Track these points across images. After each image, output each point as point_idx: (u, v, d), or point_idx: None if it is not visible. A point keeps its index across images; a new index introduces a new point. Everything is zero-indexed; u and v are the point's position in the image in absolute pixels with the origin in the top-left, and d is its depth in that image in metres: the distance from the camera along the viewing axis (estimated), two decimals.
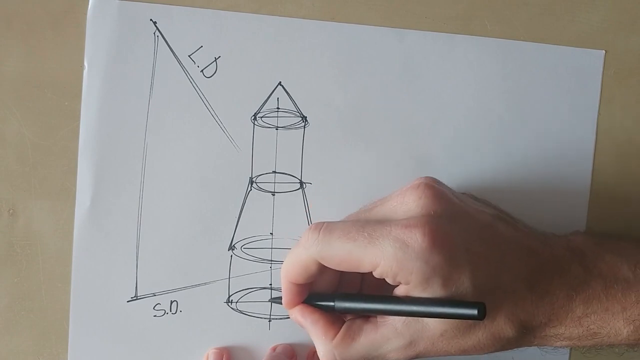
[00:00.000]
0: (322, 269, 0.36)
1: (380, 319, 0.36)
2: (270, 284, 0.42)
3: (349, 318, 0.38)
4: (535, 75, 0.42)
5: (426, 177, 0.36)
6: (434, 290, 0.34)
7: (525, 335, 0.36)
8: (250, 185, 0.42)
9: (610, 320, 0.36)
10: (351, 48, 0.42)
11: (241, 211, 0.42)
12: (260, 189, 0.42)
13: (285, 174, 0.42)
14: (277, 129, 0.41)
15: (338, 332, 0.37)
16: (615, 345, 0.37)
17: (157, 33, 0.41)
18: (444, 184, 0.37)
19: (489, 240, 0.36)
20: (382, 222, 0.35)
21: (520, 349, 0.38)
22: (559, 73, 0.42)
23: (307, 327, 0.38)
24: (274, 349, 0.42)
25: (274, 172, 0.42)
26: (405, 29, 0.42)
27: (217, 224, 0.41)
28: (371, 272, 0.35)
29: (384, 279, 0.35)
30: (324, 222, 0.36)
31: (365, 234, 0.35)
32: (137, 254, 0.41)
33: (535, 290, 0.36)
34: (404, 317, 0.35)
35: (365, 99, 0.42)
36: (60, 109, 0.41)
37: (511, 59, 0.42)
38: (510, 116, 0.42)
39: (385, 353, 0.36)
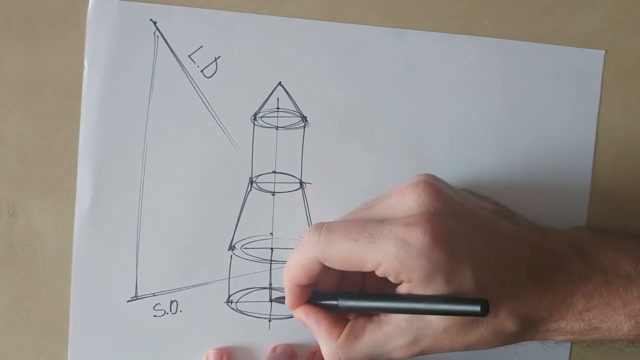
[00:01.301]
0: (325, 269, 0.36)
1: (383, 317, 0.36)
2: (270, 284, 0.42)
3: (352, 317, 0.38)
4: (535, 75, 0.42)
5: (425, 174, 0.36)
6: (437, 288, 0.34)
7: (527, 329, 0.36)
8: (250, 185, 0.42)
9: (611, 315, 0.36)
10: (351, 48, 0.42)
11: (241, 211, 0.42)
12: (260, 189, 0.42)
13: (285, 174, 0.42)
14: (277, 129, 0.41)
15: (342, 331, 0.37)
16: (616, 340, 0.37)
17: (157, 33, 0.41)
18: (442, 181, 0.37)
19: (490, 236, 0.36)
20: (383, 221, 0.35)
21: (522, 343, 0.38)
22: (559, 73, 0.42)
23: (311, 328, 0.38)
24: (274, 349, 0.42)
25: (274, 172, 0.42)
26: (405, 29, 0.42)
27: (217, 224, 0.41)
28: (374, 271, 0.35)
29: (386, 277, 0.35)
30: (324, 223, 0.36)
31: (367, 234, 0.35)
32: (137, 254, 0.41)
33: (536, 285, 0.36)
34: (407, 315, 0.35)
35: (365, 99, 0.42)
36: (60, 109, 0.41)
37: (511, 59, 0.42)
38: (510, 116, 0.42)
39: (389, 351, 0.36)
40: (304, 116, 0.42)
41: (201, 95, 0.41)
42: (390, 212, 0.36)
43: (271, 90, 0.41)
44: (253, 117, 0.41)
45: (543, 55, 0.42)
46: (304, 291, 0.38)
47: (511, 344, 0.37)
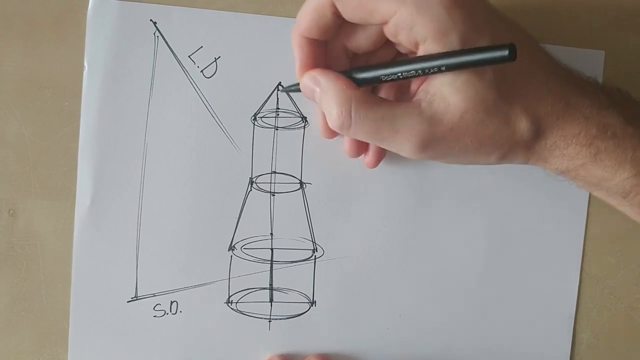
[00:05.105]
0: (335, 21, 0.35)
1: (402, 102, 0.35)
2: (271, 284, 0.42)
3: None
4: None
5: None
6: (450, 48, 0.33)
7: (536, 136, 0.35)
8: (250, 185, 0.42)
9: (619, 155, 0.35)
10: None
11: (241, 211, 0.42)
12: (260, 189, 0.42)
13: (285, 174, 0.42)
14: (276, 129, 0.41)
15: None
16: (611, 187, 0.36)
17: (157, 33, 0.41)
18: None
19: (516, 36, 0.35)
20: None
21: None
22: None
23: (323, 87, 0.36)
24: None
25: (274, 172, 0.42)
26: None
27: (217, 224, 0.41)
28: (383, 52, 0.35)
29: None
30: None
31: None
32: (137, 254, 0.41)
33: (557, 97, 0.35)
34: (428, 95, 0.34)
35: None
36: (60, 109, 0.41)
37: None
38: None
39: (399, 127, 0.35)
40: (303, 116, 0.42)
41: (201, 95, 0.41)
42: None
43: (271, 91, 0.41)
44: (253, 118, 0.41)
45: None
46: (313, 50, 0.36)
47: (519, 153, 0.36)
